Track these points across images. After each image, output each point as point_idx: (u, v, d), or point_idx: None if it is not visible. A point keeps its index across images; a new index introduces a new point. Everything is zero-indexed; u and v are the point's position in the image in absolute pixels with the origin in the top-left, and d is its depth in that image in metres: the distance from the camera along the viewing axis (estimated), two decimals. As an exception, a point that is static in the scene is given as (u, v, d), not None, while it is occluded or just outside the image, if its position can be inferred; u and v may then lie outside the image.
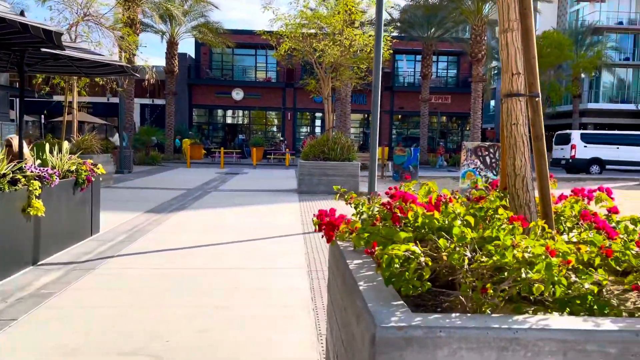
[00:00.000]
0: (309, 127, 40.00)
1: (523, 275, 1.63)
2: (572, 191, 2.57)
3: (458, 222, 1.84)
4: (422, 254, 1.72)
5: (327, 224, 2.13)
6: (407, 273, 1.71)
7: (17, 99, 33.06)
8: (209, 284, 5.20)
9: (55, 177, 6.03)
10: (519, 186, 2.26)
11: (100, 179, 7.99)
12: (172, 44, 30.32)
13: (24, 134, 17.57)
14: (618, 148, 26.37)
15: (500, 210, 1.96)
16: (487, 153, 11.55)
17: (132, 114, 26.49)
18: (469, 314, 1.60)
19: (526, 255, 1.61)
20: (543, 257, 1.61)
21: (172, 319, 4.18)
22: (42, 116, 33.83)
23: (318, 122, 39.35)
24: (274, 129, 40.15)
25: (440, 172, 24.95)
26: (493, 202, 2.03)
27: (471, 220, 1.83)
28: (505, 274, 1.64)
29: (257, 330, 3.99)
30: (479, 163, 11.54)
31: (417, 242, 1.93)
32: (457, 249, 1.73)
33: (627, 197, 14.68)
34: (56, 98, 24.65)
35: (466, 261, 1.71)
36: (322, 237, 2.36)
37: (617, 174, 26.00)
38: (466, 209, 2.06)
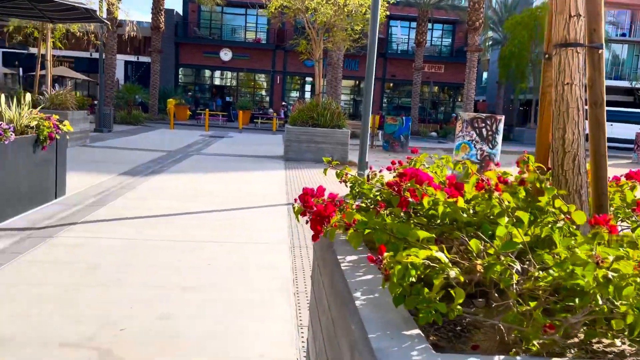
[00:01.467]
0: (298, 92, 39.04)
1: (600, 303, 1.09)
2: (626, 175, 2.03)
3: (505, 219, 1.30)
4: (450, 264, 1.17)
5: (314, 216, 1.56)
6: (425, 290, 1.16)
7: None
8: (178, 259, 4.65)
9: (10, 132, 5.37)
10: (569, 167, 1.71)
11: (68, 137, 7.30)
12: (158, -1, 28.95)
13: (0, 87, 16.62)
14: (612, 125, 26.01)
15: (558, 202, 1.41)
16: (484, 125, 11.00)
17: (114, 70, 25.38)
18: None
19: (610, 275, 1.07)
20: (633, 277, 1.07)
21: (131, 301, 3.63)
22: (21, 69, 32.50)
23: (308, 88, 38.38)
24: (263, 92, 39.13)
25: (431, 143, 24.44)
26: (550, 190, 1.48)
27: (524, 217, 1.28)
28: (576, 300, 1.10)
29: (229, 318, 3.46)
30: (474, 135, 11.00)
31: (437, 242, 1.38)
32: (501, 258, 1.18)
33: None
34: (33, 51, 23.44)
35: (515, 278, 1.16)
36: (307, 223, 1.80)
37: (609, 152, 25.68)
38: (515, 199, 1.50)
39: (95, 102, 21.39)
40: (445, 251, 1.21)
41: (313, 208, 1.70)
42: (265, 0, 14.87)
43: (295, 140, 13.31)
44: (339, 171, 2.09)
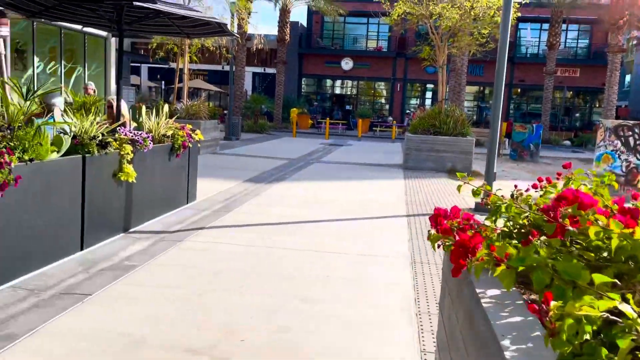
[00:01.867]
0: (418, 99, 38.32)
1: None
2: None
3: None
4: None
5: (456, 247, 1.35)
6: (603, 351, 0.91)
7: (142, 66, 35.06)
8: (297, 269, 4.63)
9: (149, 141, 5.76)
10: None
11: (199, 145, 7.73)
12: (284, 12, 30.12)
13: (144, 99, 18.35)
14: None
15: None
16: (630, 133, 9.82)
17: (243, 82, 26.81)
18: None
19: None
20: None
21: (251, 310, 3.65)
22: (162, 82, 35.62)
23: (429, 95, 37.54)
24: (382, 100, 38.98)
25: (564, 153, 22.57)
26: None
27: None
28: None
29: (347, 336, 3.33)
30: (619, 145, 9.85)
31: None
32: None
33: None
34: (172, 65, 25.55)
35: None
36: (439, 247, 1.59)
37: None
38: None
39: (225, 112, 22.73)
40: (632, 301, 0.95)
41: (450, 233, 1.50)
42: (387, 8, 14.75)
43: (416, 149, 12.96)
44: (477, 189, 1.85)
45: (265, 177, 10.28)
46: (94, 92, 11.72)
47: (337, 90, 39.56)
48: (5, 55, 6.56)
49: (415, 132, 13.35)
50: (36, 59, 13.10)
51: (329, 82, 39.12)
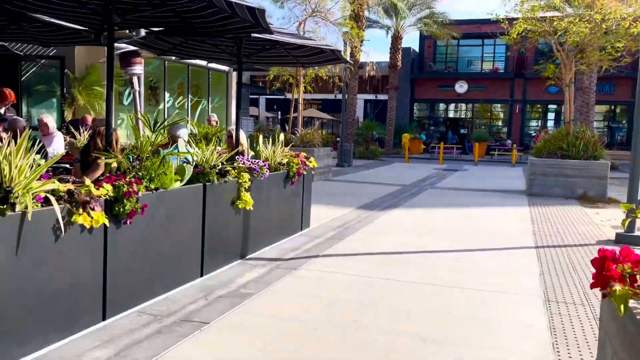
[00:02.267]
0: (539, 121, 36.05)
1: None
2: None
3: None
4: None
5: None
6: None
7: (260, 97, 36.90)
8: (414, 304, 4.34)
9: (266, 169, 5.84)
10: None
11: (313, 172, 7.76)
12: (396, 39, 30.15)
13: (261, 128, 19.20)
14: None
15: None
16: None
17: (355, 109, 27.04)
18: None
19: None
20: None
21: (367, 348, 3.43)
22: (279, 112, 37.15)
23: (550, 116, 35.19)
24: (499, 123, 37.23)
25: None
26: None
27: None
28: None
29: (475, 384, 2.98)
30: None
31: None
32: None
33: None
34: (288, 96, 26.51)
35: None
36: (604, 297, 1.28)
37: None
38: None
39: (338, 139, 23.02)
40: None
41: (623, 281, 1.19)
42: (506, 27, 14.06)
43: (541, 174, 12.01)
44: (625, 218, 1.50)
45: (378, 204, 10.08)
46: (217, 123, 12.41)
47: (451, 114, 38.52)
48: (139, 92, 7.19)
49: (540, 155, 12.40)
50: (167, 95, 14.22)
51: (442, 106, 38.27)
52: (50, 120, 7.80)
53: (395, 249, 6.35)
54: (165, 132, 5.32)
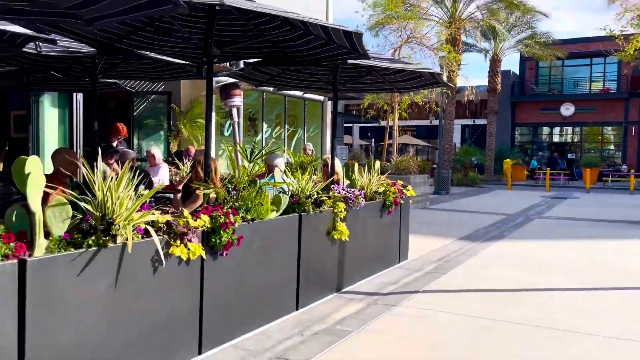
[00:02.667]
0: (660, 144, 32.75)
1: None
2: None
3: None
4: None
5: None
6: None
7: (354, 125, 37.10)
8: (536, 352, 3.85)
9: (361, 198, 5.63)
10: None
11: (410, 201, 7.42)
12: (494, 62, 29.08)
13: (356, 156, 19.13)
14: None
15: None
16: None
17: (452, 134, 26.22)
18: None
19: None
20: None
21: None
22: (373, 140, 37.06)
23: (674, 138, 31.87)
24: (611, 147, 34.36)
25: None
26: None
27: None
28: None
29: None
30: None
31: None
32: None
33: None
34: (382, 124, 26.36)
35: None
36: None
37: None
38: None
39: (434, 165, 22.36)
40: None
41: None
42: (621, 43, 12.95)
43: (669, 203, 10.71)
44: None
45: (480, 235, 9.47)
46: (312, 152, 12.47)
47: (556, 138, 36.21)
48: (238, 123, 7.34)
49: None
50: (264, 125, 14.60)
51: (545, 129, 36.13)
52: (157, 151, 8.20)
53: (503, 286, 5.82)
54: (262, 161, 5.32)
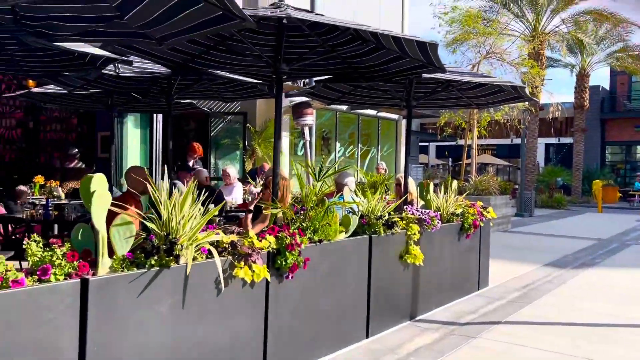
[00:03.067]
0: None
1: None
2: None
3: None
4: None
5: None
6: None
7: (430, 144, 36.32)
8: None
9: (437, 220, 5.31)
10: None
11: (491, 223, 6.96)
12: (582, 77, 27.41)
13: (432, 176, 18.56)
14: None
15: None
16: None
17: (535, 153, 24.91)
18: None
19: None
20: None
21: None
22: (450, 159, 36.03)
23: None
24: None
25: None
26: None
27: None
28: None
29: None
30: None
31: None
32: None
33: None
34: (460, 142, 25.55)
35: None
36: None
37: None
38: None
39: (516, 186, 21.25)
40: None
41: None
42: None
43: None
44: None
45: (568, 261, 8.73)
46: (385, 171, 12.20)
47: (653, 157, 33.49)
48: (310, 142, 7.27)
49: None
50: (338, 144, 14.53)
51: (640, 148, 33.54)
52: (232, 171, 8.29)
53: (596, 320, 5.24)
54: (332, 180, 5.16)
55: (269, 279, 3.44)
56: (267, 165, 9.59)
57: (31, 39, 3.39)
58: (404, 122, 15.65)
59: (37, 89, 6.86)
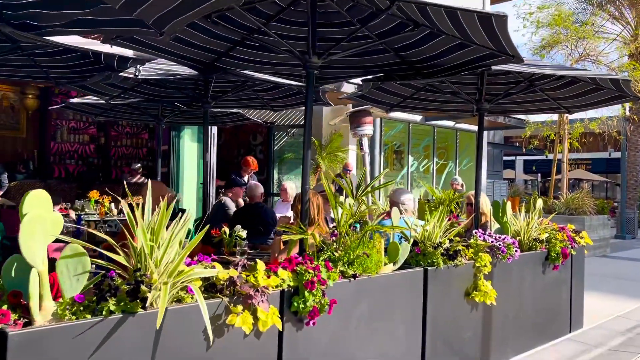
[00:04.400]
0: None
1: None
2: None
3: None
4: None
5: None
6: None
7: (517, 157, 34.02)
8: None
9: (515, 249, 4.29)
10: None
11: (585, 251, 5.76)
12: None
13: (517, 193, 16.99)
14: None
15: None
16: None
17: (637, 168, 22.34)
18: None
19: None
20: None
21: None
22: (539, 175, 33.50)
23: None
24: None
25: None
26: None
27: None
28: None
29: None
30: None
31: None
32: None
33: None
34: (550, 156, 23.50)
35: None
36: None
37: None
38: None
39: (616, 204, 19.03)
40: None
41: None
42: None
43: None
44: None
45: (687, 297, 7.20)
46: (462, 187, 11.07)
47: None
48: (367, 154, 6.48)
49: None
50: (411, 158, 13.56)
51: None
52: (291, 187, 7.64)
53: None
54: (386, 199, 4.32)
55: (281, 328, 2.67)
56: (351, 164, 8.78)
57: (9, 29, 2.91)
58: (486, 133, 14.41)
59: (75, 100, 6.63)
